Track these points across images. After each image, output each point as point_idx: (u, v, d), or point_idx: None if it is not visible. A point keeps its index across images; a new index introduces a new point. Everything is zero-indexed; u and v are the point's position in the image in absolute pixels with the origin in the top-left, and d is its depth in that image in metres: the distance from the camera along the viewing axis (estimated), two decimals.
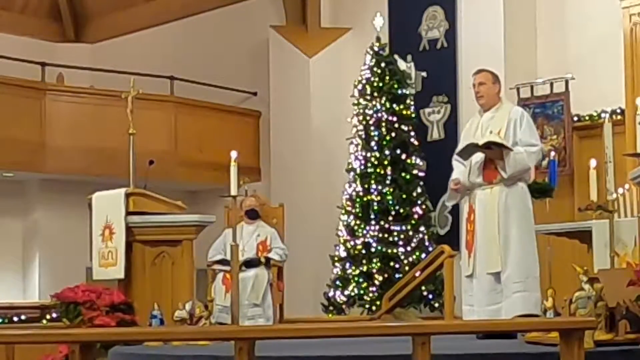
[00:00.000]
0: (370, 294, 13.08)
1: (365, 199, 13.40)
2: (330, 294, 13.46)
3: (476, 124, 7.98)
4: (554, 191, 11.87)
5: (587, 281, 6.05)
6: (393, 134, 13.49)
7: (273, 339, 5.96)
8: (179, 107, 15.51)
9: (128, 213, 9.32)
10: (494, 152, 7.66)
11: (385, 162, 13.39)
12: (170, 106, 15.42)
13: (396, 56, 14.11)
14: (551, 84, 13.12)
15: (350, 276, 13.26)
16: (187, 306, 8.34)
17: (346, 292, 13.28)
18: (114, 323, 8.15)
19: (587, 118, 12.92)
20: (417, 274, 11.93)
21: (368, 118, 13.58)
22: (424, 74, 14.31)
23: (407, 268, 12.84)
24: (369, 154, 13.47)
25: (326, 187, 14.61)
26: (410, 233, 13.19)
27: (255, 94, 16.17)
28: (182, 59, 16.51)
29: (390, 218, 13.22)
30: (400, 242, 13.15)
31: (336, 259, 13.49)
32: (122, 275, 9.23)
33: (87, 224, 9.62)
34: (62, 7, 18.22)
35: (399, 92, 13.68)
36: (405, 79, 13.91)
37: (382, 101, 13.54)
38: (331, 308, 13.46)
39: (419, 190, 13.43)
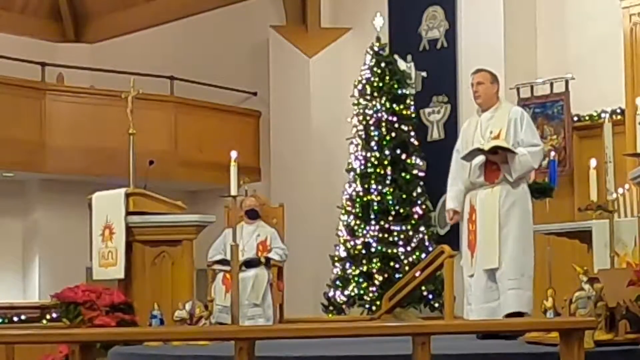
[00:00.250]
0: (370, 294, 13.08)
1: (365, 199, 13.40)
2: (330, 294, 13.47)
3: (475, 124, 7.96)
4: (554, 191, 11.87)
5: (587, 281, 6.05)
6: (393, 134, 13.50)
7: (273, 339, 5.96)
8: (179, 107, 15.51)
9: (128, 213, 9.32)
10: (499, 156, 7.66)
11: (385, 162, 13.40)
12: (170, 106, 15.42)
13: (396, 56, 14.11)
14: (551, 84, 13.11)
15: (350, 276, 13.26)
16: (187, 306, 8.34)
17: (346, 292, 13.28)
18: (114, 323, 8.15)
19: (587, 118, 12.92)
20: (417, 274, 11.93)
21: (368, 118, 13.58)
22: (424, 74, 14.31)
23: (407, 268, 12.84)
24: (369, 154, 13.47)
25: (326, 187, 14.61)
26: (410, 233, 13.19)
27: (255, 94, 16.17)
28: (182, 59, 16.51)
29: (390, 218, 13.22)
30: (400, 242, 13.15)
31: (336, 259, 13.49)
32: (122, 275, 9.23)
33: (87, 224, 9.62)
34: (62, 7, 18.22)
35: (399, 92, 13.68)
36: (405, 79, 13.91)
37: (382, 101, 13.54)
38: (331, 308, 13.46)
39: (419, 190, 13.43)
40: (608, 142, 8.44)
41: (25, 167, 14.45)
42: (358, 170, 13.52)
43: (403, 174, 13.43)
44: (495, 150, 7.64)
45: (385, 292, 12.27)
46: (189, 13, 16.95)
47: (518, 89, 13.18)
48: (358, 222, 13.38)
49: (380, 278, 13.05)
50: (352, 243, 13.34)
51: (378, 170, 13.40)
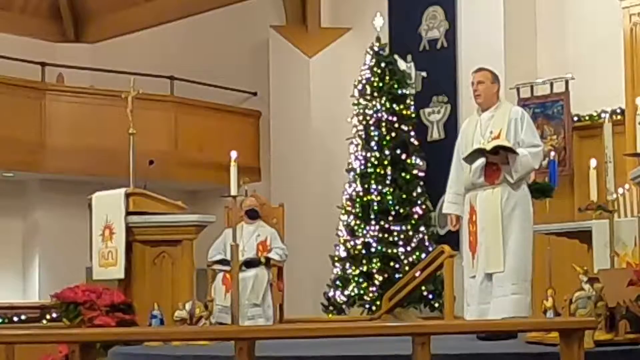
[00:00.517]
0: (370, 294, 13.08)
1: (365, 199, 13.40)
2: (330, 294, 13.47)
3: (474, 124, 7.93)
4: (554, 191, 11.86)
5: (587, 281, 6.05)
6: (393, 134, 13.50)
7: (273, 339, 5.96)
8: (179, 107, 15.51)
9: (128, 213, 9.32)
10: (500, 156, 7.62)
11: (385, 162, 13.40)
12: (170, 106, 15.42)
13: (396, 56, 14.10)
14: (551, 84, 13.12)
15: (350, 276, 13.26)
16: (187, 306, 8.35)
17: (346, 292, 13.28)
18: (114, 323, 8.15)
19: (587, 118, 12.92)
20: (417, 274, 11.93)
21: (368, 118, 13.58)
22: (424, 74, 14.30)
23: (407, 268, 12.84)
24: (369, 154, 13.47)
25: (326, 187, 14.61)
26: (410, 233, 13.19)
27: (255, 94, 16.17)
28: (182, 59, 16.51)
29: (390, 218, 13.22)
30: (400, 242, 13.15)
31: (336, 259, 13.49)
32: (122, 275, 9.23)
33: (87, 224, 9.62)
34: (62, 7, 18.22)
35: (399, 92, 13.68)
36: (405, 79, 13.91)
37: (382, 101, 13.54)
38: (331, 308, 13.46)
39: (419, 190, 13.43)
40: (608, 142, 8.43)
41: (25, 167, 14.45)
42: (358, 170, 13.52)
43: (403, 174, 13.43)
44: (496, 150, 7.62)
45: (385, 292, 12.27)
46: (189, 13, 16.96)
47: (518, 89, 13.18)
48: (358, 222, 13.38)
49: (380, 278, 13.05)
50: (352, 243, 13.34)
51: (378, 170, 13.40)
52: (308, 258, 14.12)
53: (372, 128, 13.52)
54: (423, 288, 12.64)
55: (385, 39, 14.07)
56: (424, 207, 13.39)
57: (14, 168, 14.46)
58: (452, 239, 11.08)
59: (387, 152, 13.42)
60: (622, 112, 12.15)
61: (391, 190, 13.31)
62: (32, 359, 8.22)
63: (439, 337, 5.44)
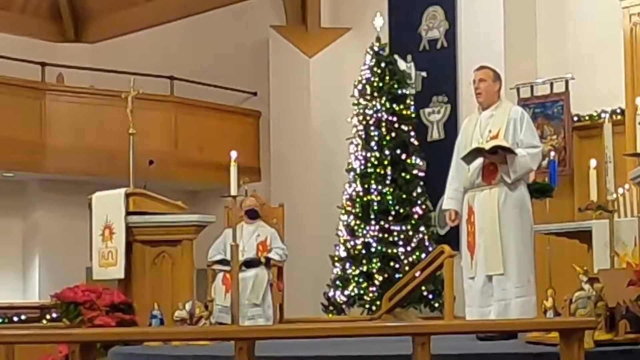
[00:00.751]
0: (370, 294, 13.08)
1: (365, 199, 13.40)
2: (330, 294, 13.46)
3: (474, 122, 7.90)
4: (554, 191, 11.86)
5: (587, 281, 6.05)
6: (393, 134, 13.50)
7: (273, 339, 5.96)
8: (179, 107, 15.51)
9: (128, 213, 9.33)
10: (498, 156, 7.60)
11: (385, 162, 13.40)
12: (170, 106, 15.42)
13: (396, 56, 14.10)
14: (551, 84, 13.12)
15: (350, 276, 13.26)
16: (187, 306, 8.35)
17: (346, 292, 13.28)
18: (114, 323, 8.15)
19: (587, 118, 12.92)
20: (417, 274, 11.92)
21: (368, 118, 13.58)
22: (424, 74, 14.30)
23: (407, 268, 12.83)
24: (369, 154, 13.47)
25: (326, 187, 14.61)
26: (410, 233, 13.19)
27: (255, 94, 16.17)
28: (182, 59, 16.51)
29: (390, 218, 13.22)
30: (400, 242, 13.15)
31: (336, 259, 13.49)
32: (122, 275, 9.23)
33: (87, 224, 9.62)
34: (62, 7, 18.22)
35: (399, 92, 13.68)
36: (405, 79, 13.91)
37: (382, 101, 13.54)
38: (331, 308, 13.46)
39: (419, 190, 13.43)
40: (608, 142, 8.43)
41: (25, 167, 14.45)
42: (358, 170, 13.52)
43: (403, 174, 13.43)
44: (495, 150, 7.60)
45: (385, 292, 12.27)
46: (189, 13, 16.95)
47: (518, 89, 13.18)
48: (358, 222, 13.38)
49: (380, 278, 13.05)
50: (352, 243, 13.34)
51: (378, 170, 13.40)
52: (308, 258, 14.12)
53: (372, 128, 13.52)
54: (423, 288, 12.63)
55: (385, 39, 14.07)
56: (424, 207, 13.39)
57: (14, 168, 14.46)
58: (452, 239, 11.04)
59: (387, 152, 13.42)
60: (622, 112, 12.14)
61: (391, 190, 13.31)
62: (32, 359, 8.23)
63: (439, 337, 5.44)
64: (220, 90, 15.90)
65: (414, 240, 13.19)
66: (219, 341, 6.86)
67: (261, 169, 15.74)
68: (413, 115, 13.77)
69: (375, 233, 13.20)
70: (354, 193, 13.50)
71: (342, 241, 13.48)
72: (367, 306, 13.12)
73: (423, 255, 12.75)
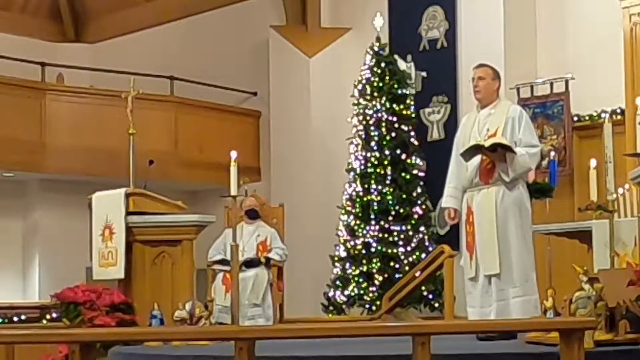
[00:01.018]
0: (370, 294, 13.08)
1: (365, 199, 13.40)
2: (330, 294, 13.47)
3: (473, 120, 7.87)
4: (554, 191, 11.86)
5: (587, 281, 6.05)
6: (393, 134, 13.50)
7: (273, 339, 5.96)
8: (179, 107, 15.51)
9: (128, 213, 9.32)
10: (498, 154, 7.57)
11: (385, 162, 13.40)
12: (170, 106, 15.42)
13: (396, 56, 14.11)
14: (551, 84, 13.12)
15: (350, 276, 13.26)
16: (187, 306, 8.34)
17: (346, 292, 13.28)
18: (114, 323, 8.15)
19: (587, 118, 12.92)
20: (417, 274, 11.93)
21: (368, 118, 13.58)
22: (424, 74, 14.31)
23: (407, 268, 12.84)
24: (369, 154, 13.47)
25: (326, 187, 14.61)
26: (410, 233, 13.19)
27: (255, 94, 16.17)
28: (182, 59, 16.51)
29: (390, 218, 13.22)
30: (400, 242, 13.15)
31: (336, 259, 13.49)
32: (122, 275, 9.23)
33: (87, 224, 9.62)
34: (62, 7, 18.22)
35: (399, 92, 13.68)
36: (405, 79, 13.91)
37: (382, 101, 13.54)
38: (331, 308, 13.46)
39: (419, 190, 13.43)
40: (608, 142, 8.42)
41: (25, 167, 14.45)
42: (358, 170, 13.52)
43: (403, 174, 13.43)
44: (494, 148, 7.58)
45: (385, 292, 12.27)
46: (189, 13, 16.95)
47: (518, 89, 13.18)
48: (358, 222, 13.38)
49: (380, 278, 13.05)
50: (352, 243, 13.34)
51: (378, 170, 13.40)
52: (308, 258, 14.12)
53: (372, 128, 13.52)
54: (423, 288, 12.64)
55: (385, 39, 14.07)
56: (424, 207, 13.39)
57: (14, 168, 14.46)
58: (452, 239, 11.06)
59: (387, 152, 13.42)
60: (622, 112, 12.15)
61: (391, 190, 13.31)
62: (32, 359, 8.23)
63: (439, 337, 5.44)
64: (220, 90, 15.90)
65: (414, 240, 13.19)
66: (219, 341, 6.86)
67: (261, 169, 15.74)
68: (413, 115, 13.77)
69: (375, 233, 13.20)
70: (354, 193, 13.50)
71: (342, 241, 13.49)
72: (367, 306, 13.12)
73: (423, 255, 12.75)
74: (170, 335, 6.54)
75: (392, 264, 13.10)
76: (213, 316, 9.25)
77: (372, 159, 13.43)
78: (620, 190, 10.06)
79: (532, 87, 13.24)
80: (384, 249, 13.11)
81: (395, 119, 13.54)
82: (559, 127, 13.03)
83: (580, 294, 6.02)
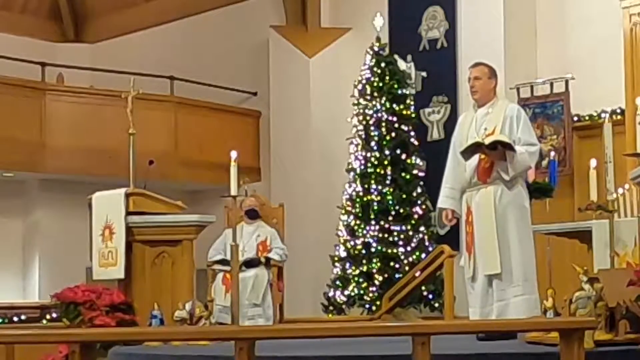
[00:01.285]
0: (370, 294, 13.08)
1: (365, 199, 13.40)
2: (330, 294, 13.47)
3: (470, 119, 7.81)
4: (554, 191, 11.86)
5: (587, 281, 6.05)
6: (393, 134, 13.50)
7: (273, 339, 5.96)
8: (179, 107, 15.51)
9: (128, 213, 9.32)
10: (497, 153, 7.53)
11: (385, 162, 13.40)
12: (170, 106, 15.43)
13: (396, 56, 14.11)
14: (551, 84, 13.12)
15: (350, 276, 13.26)
16: (187, 306, 8.35)
17: (346, 292, 13.28)
18: (114, 323, 8.15)
19: (587, 118, 12.93)
20: (417, 274, 11.93)
21: (368, 118, 13.58)
22: (424, 74, 14.31)
23: (407, 268, 12.84)
24: (369, 154, 13.47)
25: (326, 187, 14.61)
26: (410, 233, 13.19)
27: (255, 94, 16.17)
28: (182, 59, 16.52)
29: (390, 218, 13.22)
30: (400, 242, 13.15)
31: (336, 259, 13.49)
32: (122, 275, 9.23)
33: (87, 224, 9.62)
34: (62, 7, 18.22)
35: (399, 92, 13.68)
36: (405, 79, 13.91)
37: (382, 101, 13.55)
38: (331, 308, 13.46)
39: (419, 190, 13.43)
40: (608, 142, 8.42)
41: (25, 167, 14.45)
42: (358, 170, 13.53)
43: (403, 174, 13.43)
44: (494, 145, 7.54)
45: (385, 292, 12.27)
46: (189, 13, 16.96)
47: (518, 89, 13.18)
48: (358, 222, 13.38)
49: (380, 278, 13.05)
50: (352, 243, 13.34)
51: (378, 170, 13.40)
52: (308, 258, 14.12)
53: (372, 128, 13.52)
54: (423, 288, 12.64)
55: (385, 39, 14.07)
56: (424, 207, 13.39)
57: (14, 168, 14.46)
58: (452, 239, 11.05)
59: (387, 152, 13.42)
60: (622, 112, 12.15)
61: (391, 190, 13.31)
62: (32, 359, 8.23)
63: (439, 337, 5.44)
64: (220, 90, 15.90)
65: (414, 240, 13.19)
66: (219, 341, 6.86)
67: (261, 169, 15.74)
68: (413, 115, 13.77)
69: (375, 233, 13.20)
70: (354, 193, 13.50)
71: (342, 241, 13.49)
72: (367, 306, 13.12)
73: (423, 255, 12.75)
74: (170, 335, 6.54)
75: (392, 264, 13.10)
76: (213, 316, 9.25)
77: (372, 159, 13.43)
78: (620, 190, 10.06)
79: (532, 87, 13.24)
80: (384, 249, 13.11)
81: (395, 119, 13.54)
82: (559, 127, 13.03)
83: (580, 294, 6.02)
